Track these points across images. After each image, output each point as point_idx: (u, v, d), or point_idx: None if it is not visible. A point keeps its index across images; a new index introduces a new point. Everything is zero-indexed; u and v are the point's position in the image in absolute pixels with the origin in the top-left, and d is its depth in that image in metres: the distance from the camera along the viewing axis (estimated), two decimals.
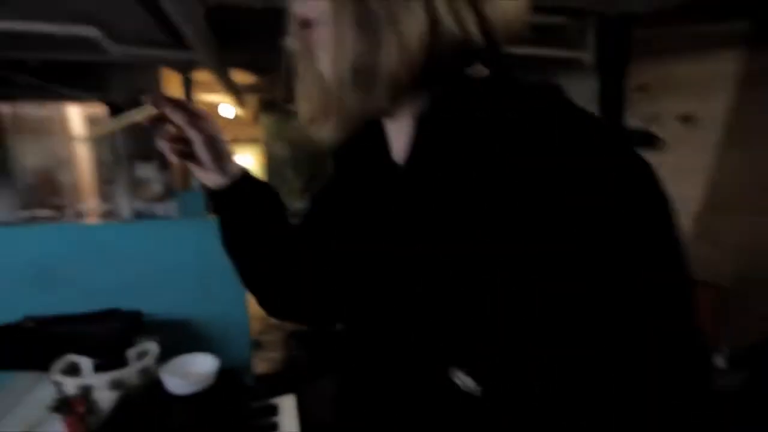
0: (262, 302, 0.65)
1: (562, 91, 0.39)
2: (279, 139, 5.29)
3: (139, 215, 3.43)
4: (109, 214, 4.34)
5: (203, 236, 1.45)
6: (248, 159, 9.80)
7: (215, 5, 1.82)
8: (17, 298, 1.33)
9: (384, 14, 0.36)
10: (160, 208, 3.51)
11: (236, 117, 5.60)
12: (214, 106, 4.92)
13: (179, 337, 1.44)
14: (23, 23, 2.29)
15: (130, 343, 1.30)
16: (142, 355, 1.26)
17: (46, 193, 4.25)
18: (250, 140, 8.50)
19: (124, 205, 3.55)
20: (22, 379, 1.22)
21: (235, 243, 0.61)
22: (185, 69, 3.11)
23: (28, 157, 4.00)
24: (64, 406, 1.04)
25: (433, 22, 0.36)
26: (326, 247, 0.57)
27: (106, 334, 1.27)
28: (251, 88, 4.16)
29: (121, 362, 1.24)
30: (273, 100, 4.66)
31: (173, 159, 0.57)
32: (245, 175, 0.61)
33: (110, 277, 1.43)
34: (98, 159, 4.87)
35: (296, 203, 5.39)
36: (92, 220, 4.41)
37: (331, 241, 0.55)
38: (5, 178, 3.48)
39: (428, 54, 0.37)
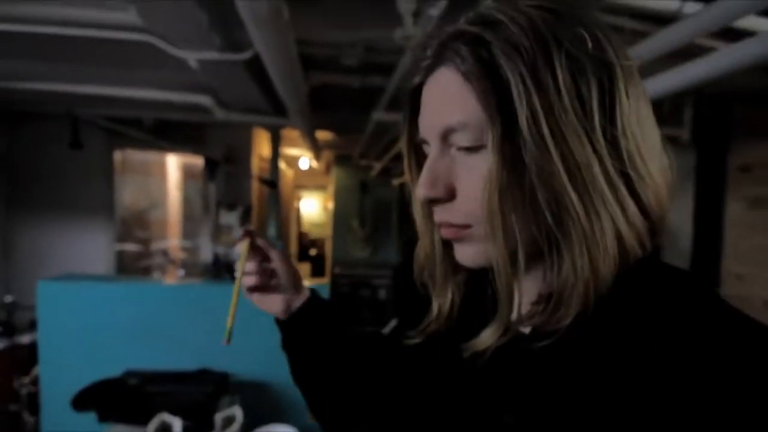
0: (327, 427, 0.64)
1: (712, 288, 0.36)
2: (347, 191, 5.50)
3: (217, 258, 3.66)
4: (189, 252, 4.67)
5: None
6: (313, 202, 10.30)
7: (319, 85, 1.99)
8: (118, 352, 1.44)
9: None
10: (237, 254, 3.72)
11: (310, 167, 5.94)
12: (294, 159, 5.26)
13: (260, 400, 1.47)
14: (149, 91, 2.64)
15: (216, 405, 1.35)
16: (227, 421, 1.29)
17: (136, 228, 4.68)
18: (319, 187, 8.96)
19: (206, 247, 3.82)
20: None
21: (303, 373, 0.63)
22: (276, 128, 3.38)
23: (127, 195, 4.46)
24: None
25: (619, 239, 0.35)
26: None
27: (197, 396, 1.33)
28: (329, 144, 4.43)
29: (207, 425, 1.28)
30: (347, 155, 4.91)
31: (250, 294, 0.63)
32: (315, 300, 0.64)
33: (200, 335, 1.51)
34: (187, 201, 5.34)
35: (359, 252, 5.49)
36: (175, 254, 4.76)
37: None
38: (110, 213, 3.90)
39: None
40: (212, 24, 1.44)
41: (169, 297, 1.48)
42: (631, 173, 0.35)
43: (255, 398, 1.48)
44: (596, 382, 0.34)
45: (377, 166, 4.43)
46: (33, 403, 2.58)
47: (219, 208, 3.73)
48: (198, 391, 1.32)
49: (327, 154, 5.23)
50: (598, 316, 0.35)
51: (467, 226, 0.38)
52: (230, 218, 3.74)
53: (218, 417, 1.31)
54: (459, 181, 0.38)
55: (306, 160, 5.33)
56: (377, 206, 5.38)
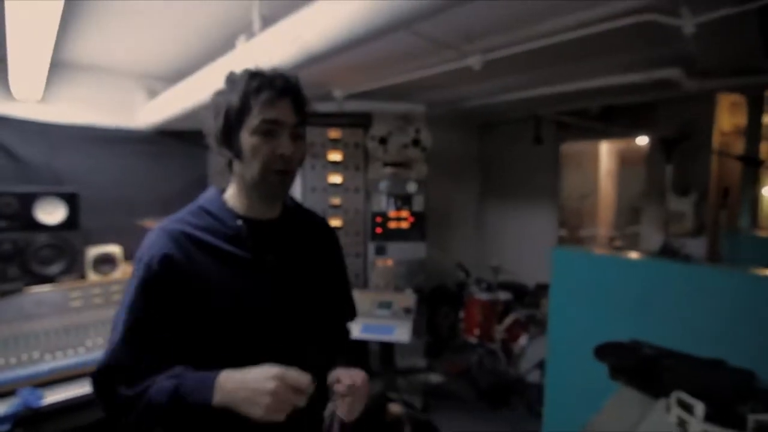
0: None
1: None
2: None
3: (665, 248, 3.33)
4: (627, 240, 4.53)
5: None
6: None
7: None
8: (624, 320, 1.53)
9: None
10: (691, 245, 3.26)
11: None
12: None
13: None
14: (609, 78, 2.70)
15: (746, 403, 1.19)
16: (761, 428, 1.12)
17: (571, 215, 5.00)
18: None
19: (651, 236, 3.56)
20: (629, 394, 1.39)
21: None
22: (760, 90, 2.68)
23: (566, 184, 4.83)
24: None
25: None
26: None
27: (722, 386, 1.22)
28: None
29: (735, 422, 1.15)
30: None
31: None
32: None
33: (713, 324, 1.38)
34: (622, 188, 5.22)
35: None
36: (601, 248, 4.76)
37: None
38: (555, 200, 4.37)
39: None
40: None
41: (675, 276, 1.44)
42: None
43: None
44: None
45: None
46: (505, 348, 3.30)
47: (666, 194, 3.37)
48: (724, 381, 1.22)
49: None
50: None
51: None
52: (682, 205, 3.31)
53: (752, 418, 1.15)
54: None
55: None
56: None
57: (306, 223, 1.07)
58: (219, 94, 0.92)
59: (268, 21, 1.81)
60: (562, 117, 3.20)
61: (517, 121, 4.18)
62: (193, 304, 0.86)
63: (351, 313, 1.18)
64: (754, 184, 2.98)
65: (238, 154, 0.90)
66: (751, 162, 2.57)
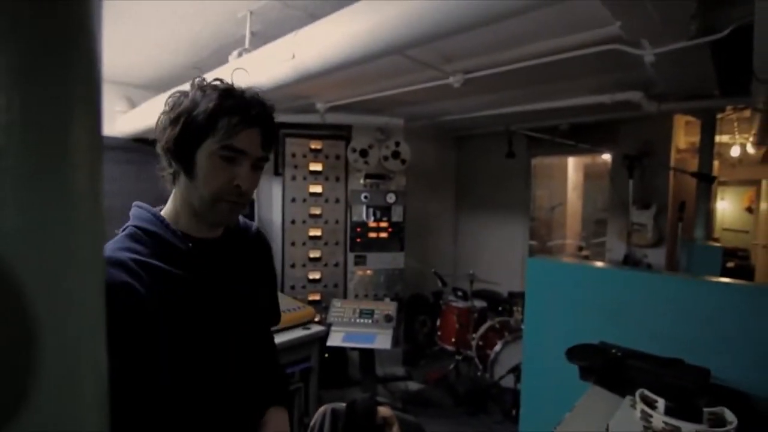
0: None
1: None
2: None
3: (627, 257, 3.55)
4: (591, 250, 4.77)
5: None
6: (728, 202, 8.16)
7: None
8: (593, 325, 1.65)
9: None
10: (652, 254, 3.49)
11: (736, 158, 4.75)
12: (725, 147, 4.38)
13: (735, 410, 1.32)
14: (577, 99, 2.89)
15: (701, 398, 1.31)
16: (717, 419, 1.24)
17: (540, 225, 5.22)
18: (742, 183, 7.03)
19: (615, 246, 3.78)
20: (599, 393, 1.50)
21: None
22: (711, 113, 2.93)
23: (536, 196, 5.04)
24: None
25: None
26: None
27: (681, 382, 1.35)
28: None
29: (692, 416, 1.27)
30: None
31: None
32: None
33: (673, 326, 1.51)
34: (587, 201, 5.49)
35: None
36: (569, 257, 4.98)
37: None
38: (525, 212, 4.55)
39: None
40: (696, 12, 1.42)
41: (643, 286, 1.58)
42: None
43: (731, 407, 1.33)
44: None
45: None
46: (480, 354, 3.41)
47: (628, 207, 3.60)
48: (681, 378, 1.34)
49: None
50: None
51: None
52: (643, 217, 3.54)
53: (706, 411, 1.27)
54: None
55: (737, 149, 4.31)
56: None
57: (244, 238, 1.00)
58: (181, 96, 0.83)
59: (258, 37, 1.86)
60: (533, 133, 3.38)
61: (492, 135, 4.36)
62: (151, 336, 0.76)
63: (276, 319, 1.14)
64: (708, 198, 3.24)
65: (188, 171, 0.82)
66: (704, 178, 2.80)
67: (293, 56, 1.33)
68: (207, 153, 0.80)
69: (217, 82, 0.84)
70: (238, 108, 0.80)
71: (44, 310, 0.20)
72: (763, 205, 6.11)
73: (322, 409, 1.13)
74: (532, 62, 2.05)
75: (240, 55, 1.67)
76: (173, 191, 0.87)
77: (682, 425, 1.21)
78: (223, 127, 0.79)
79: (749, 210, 7.54)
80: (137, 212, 0.87)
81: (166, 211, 0.88)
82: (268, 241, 1.09)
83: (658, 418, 1.25)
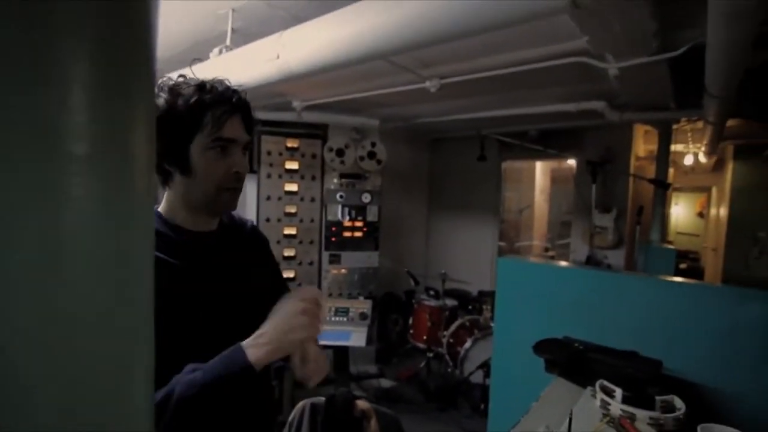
0: None
1: None
2: (753, 191, 4.35)
3: (589, 258, 3.73)
4: (557, 251, 4.96)
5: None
6: (682, 207, 8.67)
7: (758, 65, 1.74)
8: (558, 321, 1.75)
9: None
10: (612, 255, 3.69)
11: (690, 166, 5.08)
12: (680, 155, 4.66)
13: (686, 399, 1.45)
14: (546, 106, 3.03)
15: (652, 387, 1.42)
16: (668, 407, 1.35)
17: (509, 227, 5.39)
18: (695, 189, 7.48)
19: (579, 247, 3.97)
20: (562, 385, 1.60)
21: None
22: (667, 124, 3.14)
23: (506, 199, 5.21)
24: (615, 423, 1.27)
25: None
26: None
27: (636, 373, 1.46)
28: (732, 134, 3.67)
29: (645, 403, 1.38)
30: (756, 146, 3.91)
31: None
32: None
33: (630, 321, 1.63)
34: (554, 206, 5.71)
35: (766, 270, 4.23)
36: (535, 256, 5.17)
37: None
38: (496, 214, 4.70)
39: None
40: (656, 31, 1.54)
41: (600, 283, 1.69)
42: None
43: (681, 395, 1.46)
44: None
45: None
46: (451, 351, 3.50)
47: (591, 210, 3.79)
48: (636, 369, 1.45)
49: (721, 148, 4.33)
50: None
51: None
52: (605, 220, 3.74)
53: (658, 399, 1.38)
54: None
55: (690, 157, 4.60)
56: None
57: (240, 233, 1.04)
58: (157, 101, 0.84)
59: (238, 34, 1.86)
60: (504, 137, 3.51)
61: (465, 138, 4.48)
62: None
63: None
64: (663, 203, 3.46)
65: (184, 171, 0.85)
66: (660, 184, 3.00)
67: (278, 56, 1.35)
68: (200, 149, 0.83)
69: (181, 79, 0.86)
70: (219, 100, 0.83)
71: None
72: (713, 211, 6.53)
73: (300, 404, 1.16)
74: (506, 71, 2.14)
75: (221, 52, 1.67)
76: (166, 193, 0.91)
77: (637, 412, 1.31)
78: (210, 121, 0.82)
79: (700, 215, 8.04)
80: None
81: (161, 208, 0.91)
82: (263, 235, 1.12)
83: (616, 406, 1.35)
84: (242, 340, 0.87)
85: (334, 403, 1.09)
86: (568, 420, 1.16)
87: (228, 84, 0.88)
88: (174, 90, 0.83)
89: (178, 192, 0.88)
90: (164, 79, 0.86)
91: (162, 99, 0.83)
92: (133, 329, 0.24)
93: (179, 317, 0.81)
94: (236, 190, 0.89)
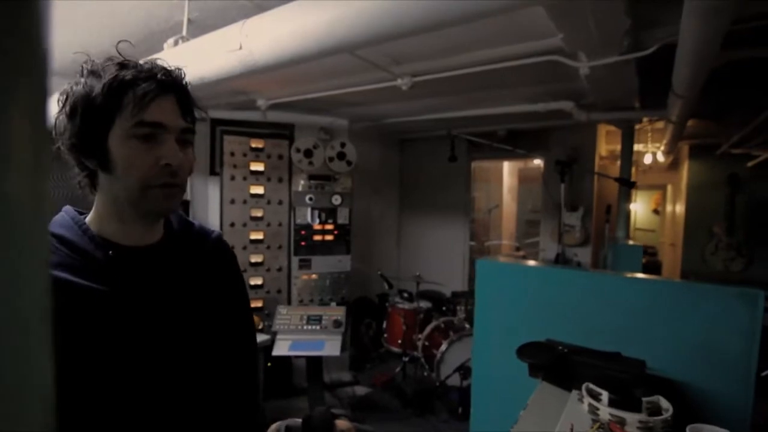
0: None
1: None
2: (707, 188, 4.57)
3: (558, 256, 3.78)
4: (526, 250, 5.02)
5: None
6: (640, 205, 9.08)
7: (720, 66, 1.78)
8: (538, 322, 1.72)
9: None
10: (580, 253, 3.76)
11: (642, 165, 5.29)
12: (640, 154, 4.83)
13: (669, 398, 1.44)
14: (515, 106, 3.03)
15: (639, 389, 1.41)
16: (654, 408, 1.33)
17: (478, 226, 5.43)
18: (652, 187, 7.83)
19: (548, 245, 4.02)
20: (548, 389, 1.56)
21: None
22: (630, 123, 3.22)
23: (475, 199, 5.23)
24: (605, 428, 1.23)
25: None
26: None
27: (621, 375, 1.43)
28: (689, 134, 3.83)
29: (632, 405, 1.36)
30: (710, 145, 4.10)
31: None
32: None
33: (607, 320, 1.61)
34: (521, 205, 5.79)
35: (721, 264, 4.45)
36: (506, 255, 5.23)
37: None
38: (466, 213, 4.70)
39: None
40: (628, 30, 1.53)
41: (577, 282, 1.66)
42: None
43: (665, 395, 1.45)
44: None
45: (761, 156, 3.49)
46: (426, 354, 3.44)
47: (560, 210, 3.85)
48: (622, 371, 1.43)
49: (678, 148, 4.52)
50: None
51: None
52: (572, 219, 3.80)
53: (644, 400, 1.36)
54: None
55: (649, 156, 4.78)
56: (755, 206, 4.22)
57: (196, 246, 0.85)
58: (73, 86, 0.71)
59: (195, 25, 1.72)
60: (474, 137, 3.50)
61: (435, 138, 4.45)
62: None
63: (251, 342, 0.93)
64: (627, 201, 3.55)
65: (104, 165, 0.70)
66: (626, 183, 3.07)
67: (240, 47, 1.23)
68: (120, 137, 0.68)
69: (109, 61, 0.72)
70: (140, 77, 0.69)
71: None
72: (668, 207, 6.84)
73: (274, 426, 1.05)
74: (478, 68, 2.11)
75: (177, 43, 1.52)
76: (96, 197, 0.75)
77: (626, 416, 1.28)
78: (130, 102, 0.68)
79: (656, 212, 8.43)
80: (59, 217, 0.74)
81: (89, 217, 0.75)
82: (232, 249, 0.94)
83: (605, 411, 1.32)
84: (185, 392, 0.73)
85: (312, 425, 1.00)
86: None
87: (155, 62, 0.74)
88: (94, 72, 0.70)
89: (105, 195, 0.73)
90: (88, 63, 0.72)
91: (80, 83, 0.70)
92: None
93: (101, 363, 0.65)
94: (170, 186, 0.72)
